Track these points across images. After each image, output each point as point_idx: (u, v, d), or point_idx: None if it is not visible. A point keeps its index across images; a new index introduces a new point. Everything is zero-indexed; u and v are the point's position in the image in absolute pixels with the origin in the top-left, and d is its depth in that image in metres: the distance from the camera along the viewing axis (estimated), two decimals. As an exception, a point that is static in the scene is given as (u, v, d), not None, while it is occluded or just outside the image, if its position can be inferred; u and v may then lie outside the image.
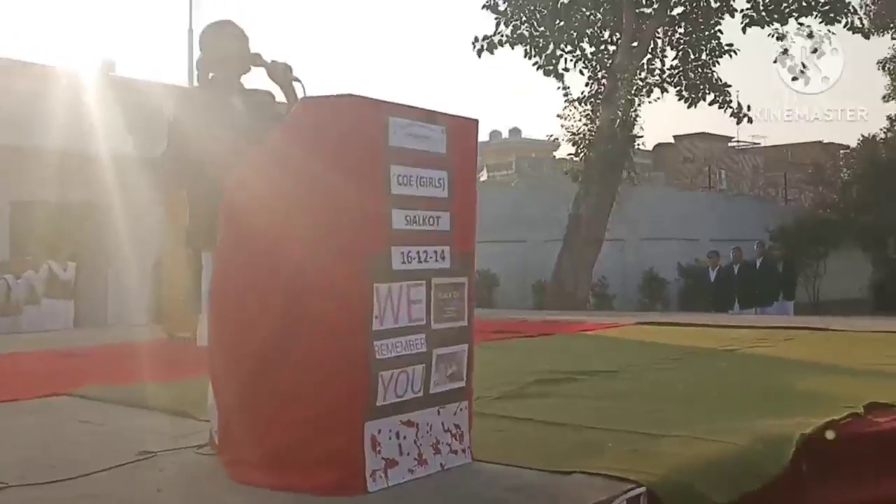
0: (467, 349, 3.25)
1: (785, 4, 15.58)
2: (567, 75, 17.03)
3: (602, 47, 17.41)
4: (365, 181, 2.88)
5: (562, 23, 16.89)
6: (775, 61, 15.34)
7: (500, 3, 17.12)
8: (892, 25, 22.59)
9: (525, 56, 17.30)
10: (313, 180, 2.90)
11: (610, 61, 16.88)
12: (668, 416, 4.05)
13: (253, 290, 3.04)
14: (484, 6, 17.09)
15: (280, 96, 3.68)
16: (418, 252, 3.03)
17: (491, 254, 16.46)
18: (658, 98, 16.22)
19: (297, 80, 3.62)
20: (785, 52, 15.29)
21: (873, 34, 20.30)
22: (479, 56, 17.26)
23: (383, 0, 79.46)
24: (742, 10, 15.85)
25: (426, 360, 3.05)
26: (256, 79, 3.74)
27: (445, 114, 3.21)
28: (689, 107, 16.78)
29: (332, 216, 2.85)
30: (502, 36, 17.26)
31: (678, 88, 16.88)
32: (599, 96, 16.69)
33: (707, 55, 16.45)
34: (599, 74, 17.22)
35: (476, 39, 17.22)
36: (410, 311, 3.00)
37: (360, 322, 2.83)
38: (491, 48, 17.23)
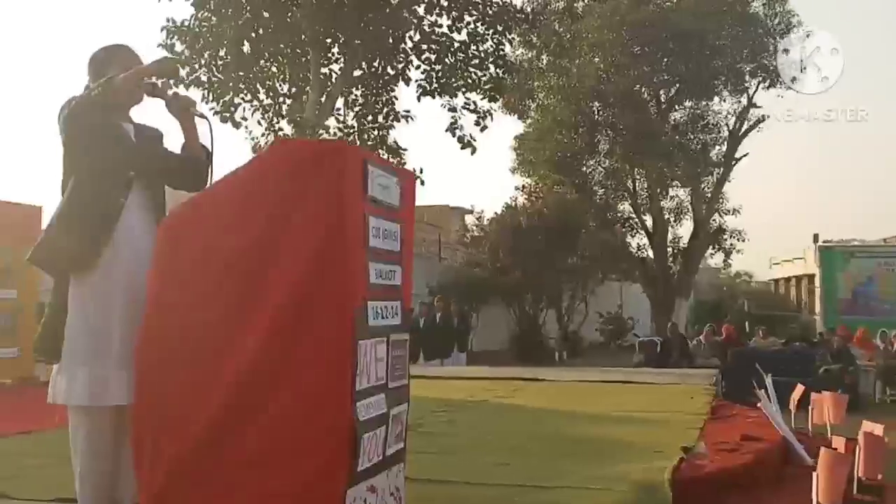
0: (408, 407, 3.17)
1: (454, 80, 16.89)
2: (247, 124, 16.84)
3: (280, 99, 17.48)
4: (350, 232, 2.72)
5: (241, 72, 16.71)
6: (447, 130, 16.52)
7: (178, 44, 16.46)
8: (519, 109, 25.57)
9: (202, 100, 16.77)
10: (293, 228, 2.67)
11: (287, 114, 17.01)
12: (521, 468, 4.22)
13: (208, 345, 2.70)
14: (160, 45, 16.31)
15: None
16: (382, 308, 2.92)
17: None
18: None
19: (201, 115, 3.32)
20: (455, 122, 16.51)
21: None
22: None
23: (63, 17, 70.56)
24: (417, 81, 16.89)
25: (386, 421, 2.93)
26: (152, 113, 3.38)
27: (393, 164, 3.15)
28: (363, 166, 17.33)
29: (318, 267, 2.65)
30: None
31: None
32: (277, 147, 16.73)
33: (383, 118, 17.23)
34: (276, 126, 17.27)
35: (149, 77, 16.35)
36: (377, 369, 2.87)
37: (346, 381, 2.65)
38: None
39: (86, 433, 2.92)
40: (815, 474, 3.87)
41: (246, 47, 16.67)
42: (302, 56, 17.13)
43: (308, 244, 2.65)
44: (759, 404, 5.77)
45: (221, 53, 16.62)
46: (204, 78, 16.82)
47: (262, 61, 17.14)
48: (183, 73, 16.48)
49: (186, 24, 16.47)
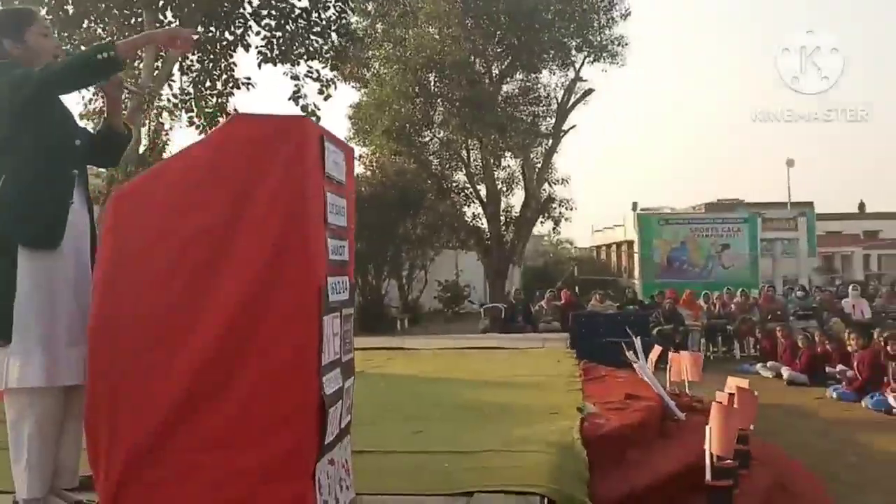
0: (354, 380, 3.21)
1: (295, 47, 16.57)
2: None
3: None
4: (312, 209, 2.72)
5: (65, 34, 15.69)
6: (290, 98, 16.21)
7: (-6, 4, 15.23)
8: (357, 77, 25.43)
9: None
10: (257, 204, 2.64)
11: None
12: (437, 435, 4.34)
13: (167, 324, 2.63)
14: (-25, 4, 15.02)
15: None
16: (337, 283, 2.94)
17: None
18: (190, 125, 15.99)
19: (136, 91, 3.20)
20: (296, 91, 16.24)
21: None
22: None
23: None
24: (257, 47, 16.42)
25: (343, 395, 2.96)
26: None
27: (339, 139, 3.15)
28: (200, 133, 16.76)
29: (283, 245, 2.63)
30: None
31: (189, 115, 16.78)
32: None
33: (222, 85, 16.68)
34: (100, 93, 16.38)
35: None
36: (334, 344, 2.89)
37: (314, 357, 2.66)
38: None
39: (37, 417, 2.78)
40: (708, 427, 4.22)
41: (70, 8, 15.66)
42: (131, 17, 16.29)
43: (273, 221, 2.63)
44: (635, 365, 6.16)
45: (43, 13, 15.54)
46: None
47: (86, 22, 16.15)
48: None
49: (2, -17, 15.31)
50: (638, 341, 6.66)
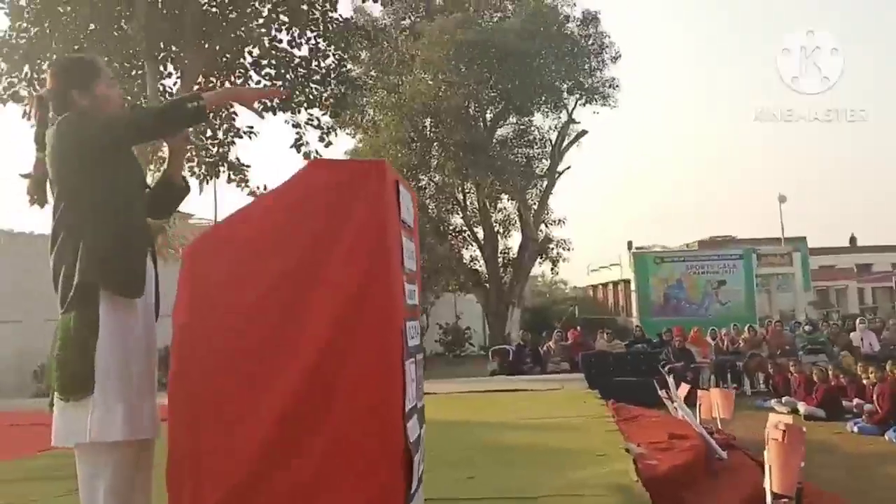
0: (425, 428, 3.16)
1: (295, 95, 16.68)
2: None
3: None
4: (392, 252, 2.70)
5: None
6: (292, 146, 16.28)
7: (-7, 51, 15.35)
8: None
9: (23, 116, 15.68)
10: (339, 249, 2.61)
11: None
12: (489, 480, 4.27)
13: (249, 372, 2.59)
14: (-26, 52, 15.15)
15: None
16: (412, 327, 2.91)
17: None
18: (191, 175, 15.96)
19: (199, 144, 3.19)
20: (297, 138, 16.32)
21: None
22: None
23: None
24: (257, 96, 16.46)
25: (420, 442, 2.91)
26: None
27: (406, 182, 3.14)
28: (201, 183, 16.77)
29: (366, 288, 2.60)
30: (-8, 90, 15.52)
31: (190, 165, 16.78)
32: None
33: (223, 135, 16.71)
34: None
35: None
36: (412, 389, 2.85)
37: (399, 402, 2.62)
38: (-18, 99, 15.34)
39: (113, 472, 2.68)
40: (767, 465, 4.17)
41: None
42: (132, 69, 16.38)
43: (356, 264, 2.60)
44: (674, 404, 6.11)
45: (44, 66, 15.62)
46: (24, 93, 15.71)
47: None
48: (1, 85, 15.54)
49: (3, 35, 15.41)
50: (671, 379, 6.62)
